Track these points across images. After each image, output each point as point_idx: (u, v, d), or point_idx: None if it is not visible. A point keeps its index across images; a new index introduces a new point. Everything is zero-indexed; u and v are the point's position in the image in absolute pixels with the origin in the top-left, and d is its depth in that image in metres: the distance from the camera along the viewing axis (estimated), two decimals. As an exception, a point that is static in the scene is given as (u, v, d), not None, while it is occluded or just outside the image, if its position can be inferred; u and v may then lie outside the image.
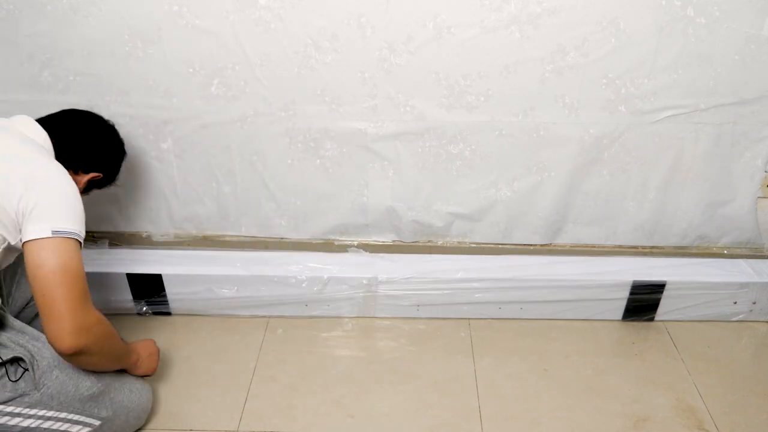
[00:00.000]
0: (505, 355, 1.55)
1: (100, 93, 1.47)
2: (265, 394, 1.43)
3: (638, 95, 1.45)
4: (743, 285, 1.60)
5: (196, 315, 1.65)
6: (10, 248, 1.11)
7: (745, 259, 1.67)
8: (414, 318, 1.65)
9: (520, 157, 1.55)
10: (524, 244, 1.70)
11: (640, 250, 1.71)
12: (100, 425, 1.20)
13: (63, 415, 1.15)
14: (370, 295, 1.61)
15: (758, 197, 1.63)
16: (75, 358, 1.10)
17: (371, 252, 1.70)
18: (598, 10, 1.34)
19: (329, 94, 1.47)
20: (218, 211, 1.66)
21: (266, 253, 1.68)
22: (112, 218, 1.69)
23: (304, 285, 1.60)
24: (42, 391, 1.13)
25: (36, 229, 1.05)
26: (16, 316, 1.32)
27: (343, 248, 1.71)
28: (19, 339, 1.15)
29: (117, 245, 1.71)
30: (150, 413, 1.35)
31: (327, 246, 1.70)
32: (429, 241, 1.72)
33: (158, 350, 1.41)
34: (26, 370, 1.12)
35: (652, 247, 1.71)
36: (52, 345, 1.07)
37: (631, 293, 1.60)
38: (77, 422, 1.17)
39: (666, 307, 1.63)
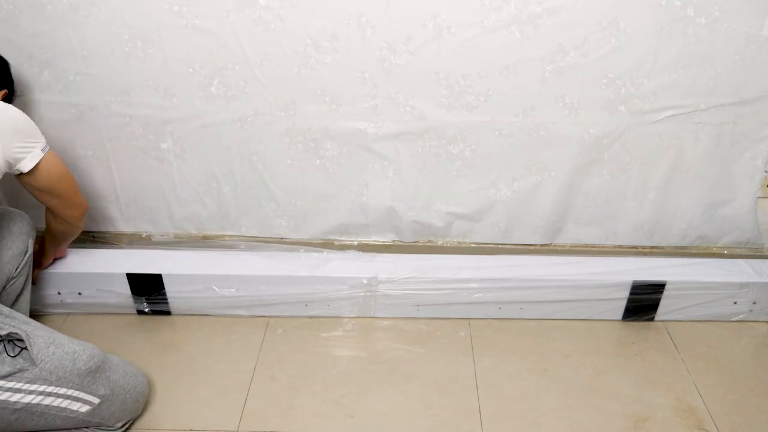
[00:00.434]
0: (505, 355, 1.55)
1: (100, 93, 1.48)
2: (265, 394, 1.43)
3: (638, 95, 1.45)
4: (743, 285, 1.60)
5: (196, 315, 1.65)
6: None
7: (745, 259, 1.67)
8: (414, 318, 1.65)
9: (520, 157, 1.55)
10: (524, 244, 1.71)
11: (640, 250, 1.71)
12: (99, 403, 1.23)
13: (63, 390, 1.18)
14: (370, 295, 1.61)
15: (758, 197, 1.63)
16: (79, 221, 1.42)
17: (371, 252, 1.70)
18: (598, 10, 1.34)
19: (329, 94, 1.47)
20: (218, 211, 1.67)
21: (267, 252, 1.68)
22: (112, 218, 1.69)
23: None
24: (40, 366, 1.15)
25: (28, 160, 1.24)
26: None
27: (343, 249, 1.71)
28: (11, 322, 1.18)
29: (117, 245, 1.71)
30: (147, 401, 1.36)
31: (327, 246, 1.70)
32: (429, 241, 1.72)
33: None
34: (24, 348, 1.15)
35: (652, 247, 1.71)
36: (74, 219, 1.40)
37: (631, 293, 1.60)
38: (77, 398, 1.20)
39: (666, 307, 1.63)
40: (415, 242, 1.72)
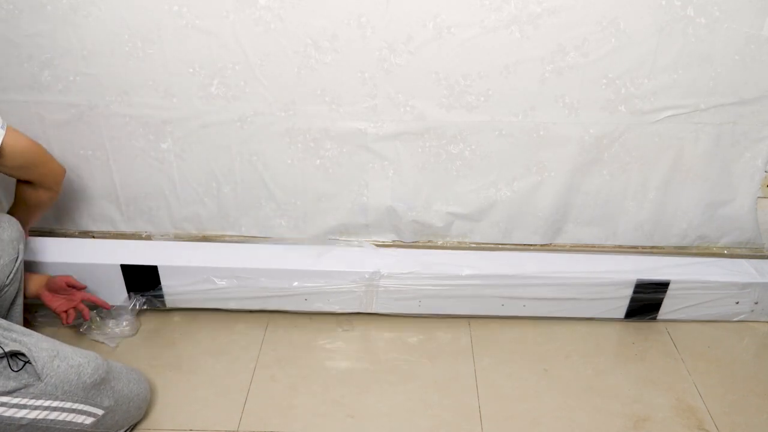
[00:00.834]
0: (505, 355, 1.55)
1: (100, 93, 1.48)
2: (265, 394, 1.43)
3: (638, 95, 1.45)
4: (746, 285, 1.60)
5: (195, 310, 1.64)
6: None
7: (747, 260, 1.67)
8: (415, 316, 1.64)
9: (520, 157, 1.55)
10: (524, 244, 1.70)
11: (640, 250, 1.71)
12: (104, 414, 1.22)
13: (68, 405, 1.17)
14: (371, 289, 1.59)
15: (758, 197, 1.62)
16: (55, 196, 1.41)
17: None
18: (598, 10, 1.34)
19: (329, 94, 1.47)
20: (218, 211, 1.66)
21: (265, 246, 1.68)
22: (112, 218, 1.69)
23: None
24: (46, 381, 1.14)
25: None
26: None
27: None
28: (11, 335, 1.17)
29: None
30: (149, 405, 1.36)
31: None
32: (429, 242, 1.72)
33: None
34: (27, 362, 1.14)
35: (652, 247, 1.71)
36: (56, 185, 1.40)
37: (635, 292, 1.60)
38: (82, 412, 1.19)
39: (669, 307, 1.63)
40: (415, 242, 1.72)
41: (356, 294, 1.60)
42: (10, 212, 1.45)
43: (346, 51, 1.40)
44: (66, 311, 1.47)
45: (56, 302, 1.46)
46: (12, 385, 1.11)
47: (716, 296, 1.62)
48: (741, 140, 1.53)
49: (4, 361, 1.13)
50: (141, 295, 1.60)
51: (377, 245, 1.71)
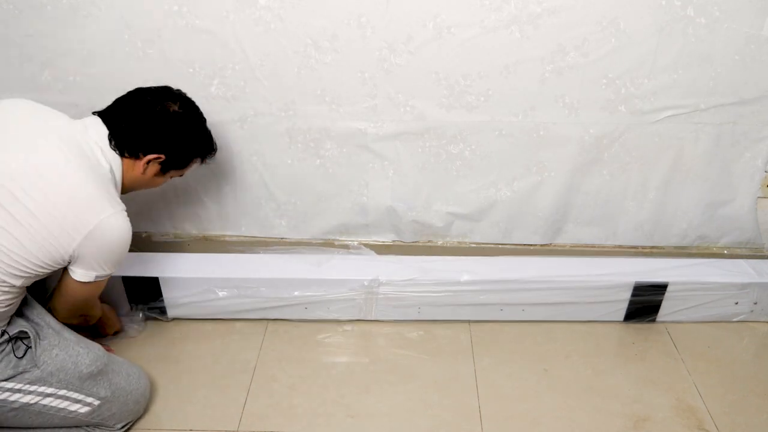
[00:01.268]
0: (505, 356, 1.55)
1: (100, 93, 1.47)
2: (265, 394, 1.43)
3: (638, 95, 1.45)
4: (745, 285, 1.60)
5: (195, 318, 1.64)
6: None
7: (746, 260, 1.67)
8: (415, 320, 1.64)
9: (520, 157, 1.55)
10: (524, 244, 1.70)
11: (640, 250, 1.71)
12: (99, 405, 1.23)
13: (62, 392, 1.18)
14: (370, 297, 1.60)
15: (758, 197, 1.63)
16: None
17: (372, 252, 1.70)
18: (598, 10, 1.34)
19: (329, 94, 1.47)
20: (218, 211, 1.66)
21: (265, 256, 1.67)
22: (112, 218, 1.68)
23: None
24: (42, 368, 1.16)
25: (83, 274, 1.19)
26: None
27: (343, 248, 1.70)
28: (29, 312, 1.20)
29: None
30: (149, 402, 1.36)
31: (327, 245, 1.70)
32: (429, 241, 1.72)
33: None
34: (29, 347, 1.16)
35: (652, 247, 1.71)
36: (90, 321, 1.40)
37: (633, 294, 1.60)
38: (77, 400, 1.20)
39: (668, 309, 1.63)
40: (415, 242, 1.72)
41: (356, 302, 1.60)
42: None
43: (346, 51, 1.40)
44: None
45: None
46: (9, 372, 1.13)
47: (715, 297, 1.62)
48: (741, 140, 1.53)
49: (9, 346, 1.15)
50: (144, 307, 1.61)
51: (377, 245, 1.71)
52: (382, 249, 1.71)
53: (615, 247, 1.71)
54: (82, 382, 1.20)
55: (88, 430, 1.26)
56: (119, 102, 1.25)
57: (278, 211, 1.66)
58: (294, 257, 1.66)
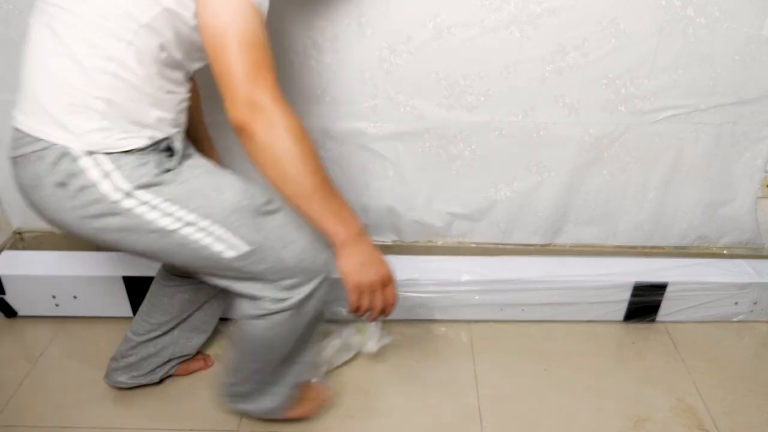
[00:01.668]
0: (505, 356, 1.55)
1: (100, 93, 1.47)
2: (265, 394, 1.43)
3: (638, 95, 1.45)
4: (744, 285, 1.60)
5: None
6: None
7: (746, 260, 1.67)
8: (415, 320, 1.64)
9: (520, 157, 1.56)
10: (524, 244, 1.71)
11: (639, 250, 1.71)
12: (249, 252, 1.02)
13: (204, 223, 0.99)
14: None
15: (758, 197, 1.63)
16: (241, 137, 0.99)
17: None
18: (598, 10, 1.34)
19: (329, 95, 1.47)
20: (218, 211, 1.66)
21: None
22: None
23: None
24: (182, 185, 1.00)
25: None
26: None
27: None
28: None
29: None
30: (323, 278, 1.12)
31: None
32: (429, 241, 1.72)
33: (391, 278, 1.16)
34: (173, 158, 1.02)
35: (652, 247, 1.71)
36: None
37: (633, 294, 1.60)
38: (220, 239, 1.00)
39: (667, 309, 1.63)
40: (415, 242, 1.72)
41: None
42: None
43: (346, 51, 1.40)
44: None
45: None
46: (146, 180, 0.97)
47: (715, 297, 1.62)
48: (741, 140, 1.53)
49: (159, 155, 1.00)
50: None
51: (377, 245, 1.70)
52: (382, 249, 1.70)
53: (615, 247, 1.71)
54: (227, 214, 1.00)
55: (251, 284, 1.06)
56: None
57: (278, 211, 1.66)
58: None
